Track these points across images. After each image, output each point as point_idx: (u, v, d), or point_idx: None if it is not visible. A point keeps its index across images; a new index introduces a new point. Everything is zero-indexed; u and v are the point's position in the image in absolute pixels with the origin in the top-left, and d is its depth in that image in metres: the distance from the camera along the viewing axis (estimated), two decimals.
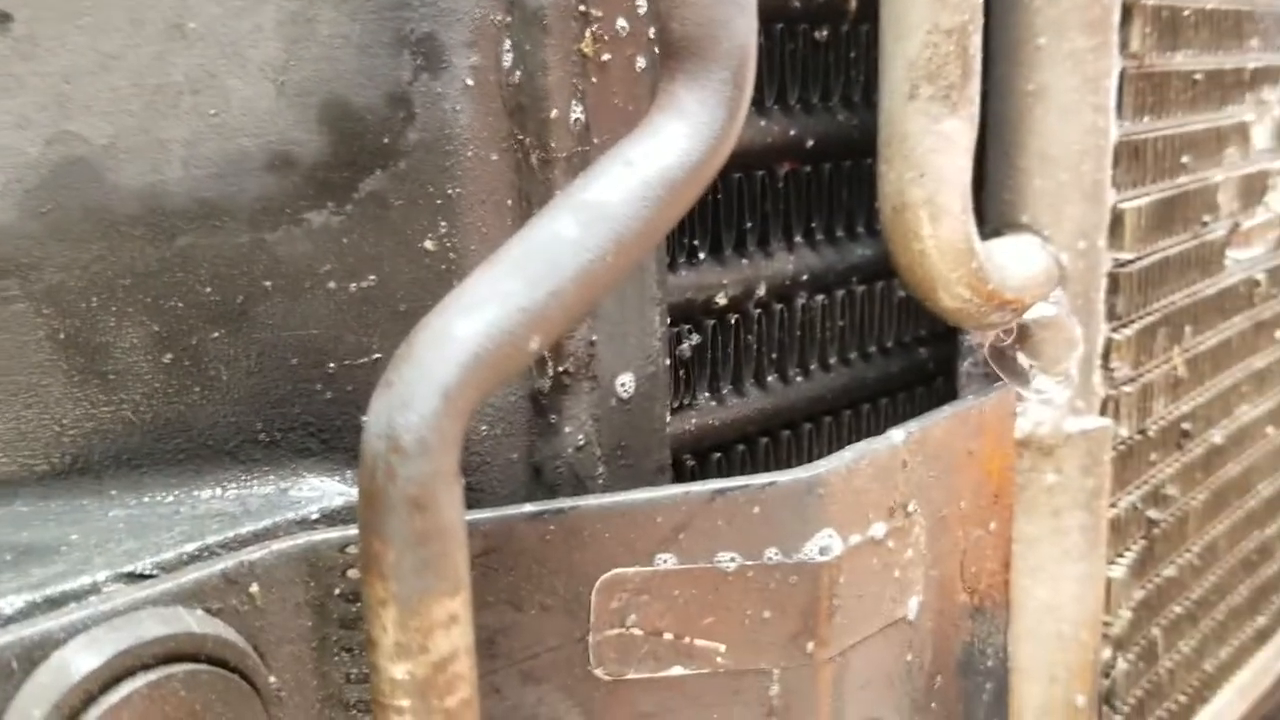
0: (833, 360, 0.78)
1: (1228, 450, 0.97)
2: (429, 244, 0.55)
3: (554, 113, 0.56)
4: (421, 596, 0.42)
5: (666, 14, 0.45)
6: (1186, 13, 0.80)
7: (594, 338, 0.59)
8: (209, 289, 0.55)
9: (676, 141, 0.45)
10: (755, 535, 0.55)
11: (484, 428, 0.57)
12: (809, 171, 0.75)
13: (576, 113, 0.56)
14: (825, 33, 0.74)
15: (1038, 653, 0.75)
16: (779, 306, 0.73)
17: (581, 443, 0.59)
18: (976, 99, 0.63)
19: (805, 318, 0.75)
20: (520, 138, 0.56)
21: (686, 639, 0.55)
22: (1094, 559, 0.75)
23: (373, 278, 0.55)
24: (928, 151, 0.63)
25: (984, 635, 0.70)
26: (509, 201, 0.56)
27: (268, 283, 0.55)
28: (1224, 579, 1.00)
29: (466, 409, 0.42)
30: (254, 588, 0.48)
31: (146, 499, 0.56)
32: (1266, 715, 1.14)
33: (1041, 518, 0.74)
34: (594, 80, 0.57)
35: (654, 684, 0.55)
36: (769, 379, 0.73)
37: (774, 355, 0.74)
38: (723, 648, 0.56)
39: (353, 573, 0.50)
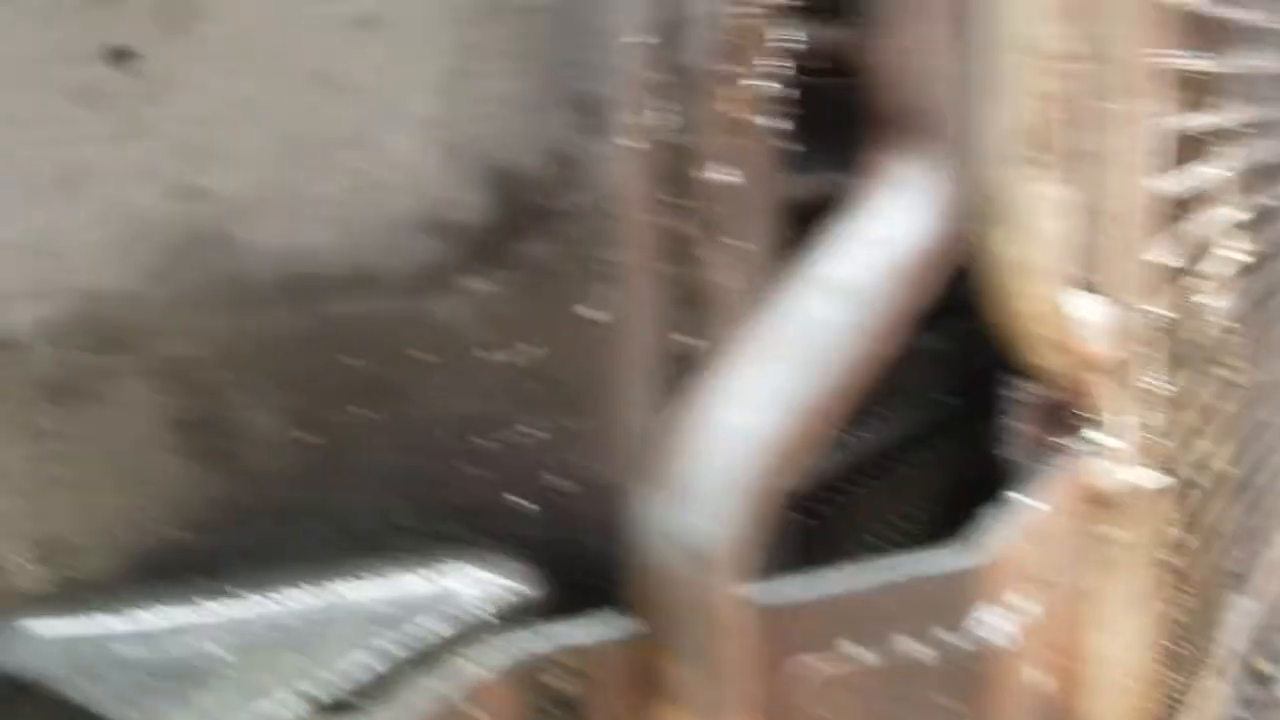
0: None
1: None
2: (591, 312, 0.51)
3: (703, 175, 0.53)
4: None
5: (901, 92, 0.44)
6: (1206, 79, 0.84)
7: None
8: (354, 362, 0.50)
9: (918, 222, 0.44)
10: (926, 615, 0.53)
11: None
12: None
13: (722, 176, 0.54)
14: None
15: (1098, 704, 0.76)
16: None
17: None
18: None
19: None
20: (671, 201, 0.53)
21: None
22: (1147, 608, 0.77)
23: (530, 348, 0.51)
24: (1029, 212, 0.63)
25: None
26: (661, 267, 0.53)
27: (418, 354, 0.50)
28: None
29: (765, 505, 0.39)
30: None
31: (279, 597, 0.50)
32: None
33: (1103, 569, 0.75)
34: (736, 143, 0.55)
35: None
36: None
37: None
38: None
39: (563, 684, 0.46)
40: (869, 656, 0.51)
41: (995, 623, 0.54)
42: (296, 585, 0.50)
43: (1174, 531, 0.88)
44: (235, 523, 0.50)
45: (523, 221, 0.50)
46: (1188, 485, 0.91)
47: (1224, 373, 1.05)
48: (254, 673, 0.44)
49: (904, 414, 0.81)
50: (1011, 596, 0.57)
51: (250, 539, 0.50)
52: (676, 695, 0.38)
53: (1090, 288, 0.73)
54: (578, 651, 0.45)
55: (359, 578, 0.51)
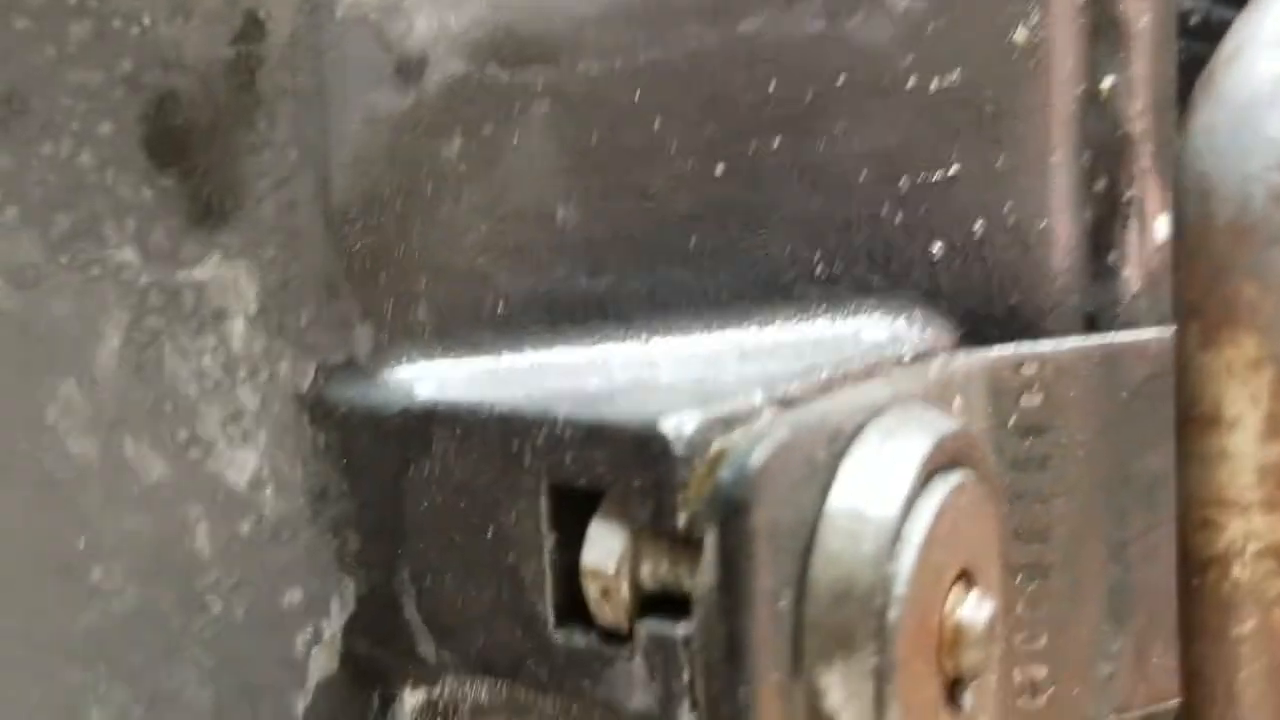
0: None
1: None
2: (1020, 34, 0.47)
3: None
4: None
5: None
6: None
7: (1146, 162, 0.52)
8: (773, 85, 0.46)
9: None
10: None
11: (1057, 260, 0.49)
12: None
13: None
14: None
15: None
16: None
17: (1137, 290, 0.51)
18: None
19: None
20: None
21: None
22: None
23: (956, 75, 0.47)
24: None
25: None
26: None
27: (841, 79, 0.46)
28: None
29: None
30: (957, 401, 0.39)
31: (695, 342, 0.46)
32: None
33: None
34: None
35: None
36: None
37: None
38: None
39: (1025, 399, 0.42)
40: None
41: None
42: (702, 331, 0.46)
43: None
44: (641, 264, 0.46)
45: None
46: None
47: None
48: (704, 387, 0.40)
49: None
50: None
51: (656, 282, 0.46)
52: (1260, 328, 0.33)
53: None
54: (1040, 360, 0.41)
55: (769, 324, 0.47)
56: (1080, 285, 0.51)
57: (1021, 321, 0.48)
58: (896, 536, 0.30)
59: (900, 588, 0.30)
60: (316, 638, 0.45)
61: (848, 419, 0.33)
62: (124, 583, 0.41)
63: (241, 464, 0.43)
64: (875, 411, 0.34)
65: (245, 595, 0.43)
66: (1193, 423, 0.35)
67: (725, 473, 0.30)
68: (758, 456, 0.30)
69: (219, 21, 0.41)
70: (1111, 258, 0.51)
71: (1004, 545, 0.40)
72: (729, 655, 0.30)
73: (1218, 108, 0.35)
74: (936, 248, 0.47)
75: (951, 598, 0.32)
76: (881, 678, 0.29)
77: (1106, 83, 0.49)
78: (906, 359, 0.45)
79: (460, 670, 0.43)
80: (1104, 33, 0.49)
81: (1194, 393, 0.35)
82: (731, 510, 0.29)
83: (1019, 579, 0.41)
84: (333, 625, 0.45)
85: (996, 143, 0.47)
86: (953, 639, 0.32)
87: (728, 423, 0.36)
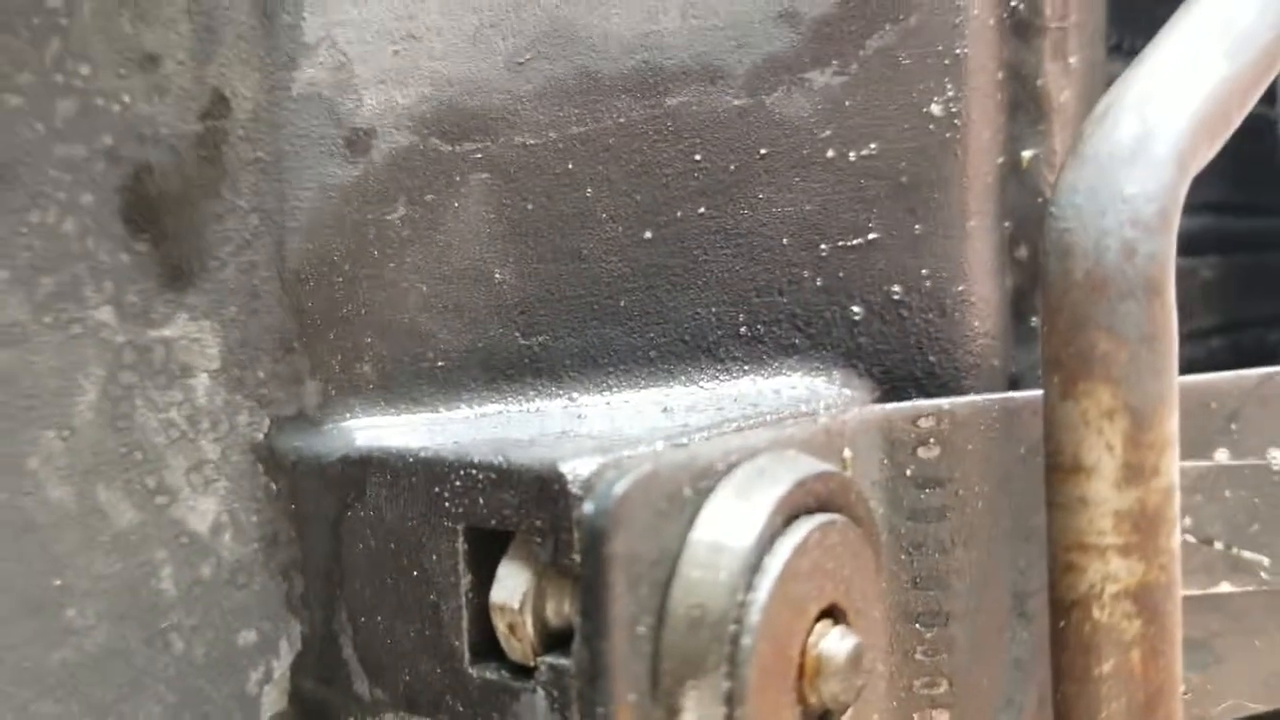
0: None
1: None
2: (935, 109, 0.50)
3: None
4: (1157, 406, 0.35)
5: None
6: None
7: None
8: (699, 156, 0.49)
9: None
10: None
11: (975, 323, 0.51)
12: None
13: None
14: None
15: None
16: None
17: None
18: None
19: None
20: (1014, 4, 0.52)
21: (1235, 549, 0.49)
22: None
23: (874, 146, 0.50)
24: None
25: None
26: (1000, 74, 0.52)
27: (763, 150, 0.49)
28: None
29: (1189, 179, 0.37)
30: (846, 452, 0.41)
31: (623, 397, 0.48)
32: None
33: None
34: None
35: (1201, 603, 0.48)
36: None
37: None
38: (1267, 561, 0.49)
39: (923, 451, 0.44)
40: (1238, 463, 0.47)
41: None
42: (628, 389, 0.49)
43: None
44: (573, 323, 0.49)
45: (872, 12, 0.49)
46: None
47: None
48: (608, 436, 0.42)
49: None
50: None
51: (587, 340, 0.49)
52: (1114, 379, 0.35)
53: None
54: (937, 415, 0.43)
55: (695, 381, 0.49)
56: (1003, 348, 0.53)
57: (941, 381, 0.50)
58: (754, 568, 0.32)
59: (755, 615, 0.32)
60: (268, 677, 0.47)
61: (719, 459, 0.35)
62: (95, 622, 0.44)
63: (203, 511, 0.46)
64: (749, 454, 0.36)
65: (205, 635, 0.46)
66: (1056, 470, 0.37)
67: (588, 504, 0.32)
68: (618, 488, 0.32)
69: (190, 99, 0.45)
70: (1035, 322, 0.53)
71: (896, 590, 0.42)
72: (590, 678, 0.31)
73: (1082, 166, 0.37)
74: (856, 310, 0.50)
75: (817, 631, 0.34)
76: (733, 701, 0.31)
77: (1027, 154, 0.52)
78: (820, 414, 0.47)
79: (391, 708, 0.45)
80: (1024, 107, 0.52)
81: (1057, 442, 0.36)
82: (590, 538, 0.32)
83: (917, 625, 0.42)
84: (282, 664, 0.47)
85: (912, 211, 0.50)
86: (814, 670, 0.33)
87: (625, 467, 0.39)
